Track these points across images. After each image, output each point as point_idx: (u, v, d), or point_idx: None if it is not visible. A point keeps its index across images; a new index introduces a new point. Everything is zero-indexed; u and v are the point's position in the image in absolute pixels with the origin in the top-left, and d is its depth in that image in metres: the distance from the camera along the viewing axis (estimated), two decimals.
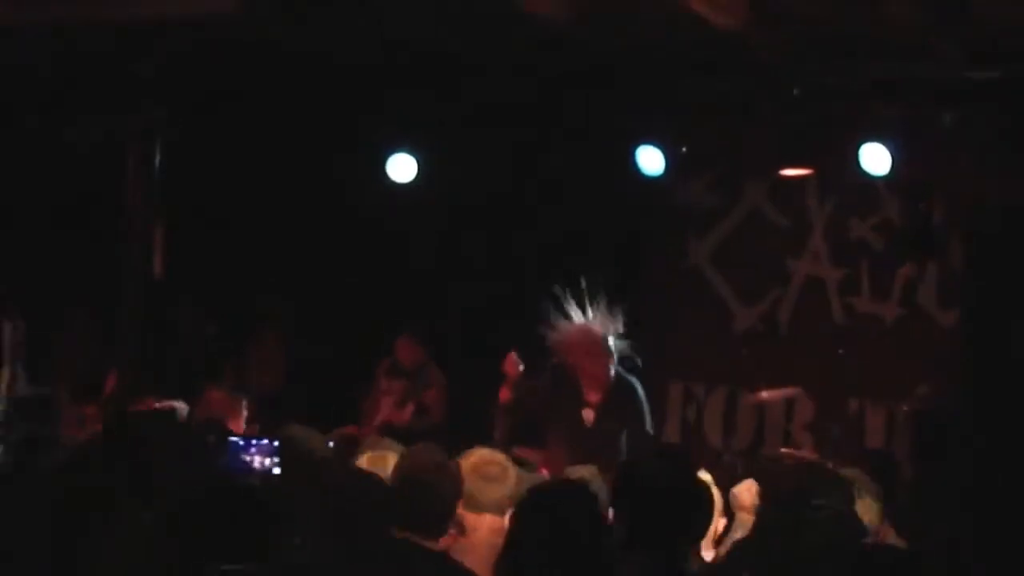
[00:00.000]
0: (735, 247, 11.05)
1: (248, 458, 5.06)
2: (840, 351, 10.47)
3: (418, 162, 10.26)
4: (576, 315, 8.80)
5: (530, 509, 4.25)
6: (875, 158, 9.40)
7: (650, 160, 10.01)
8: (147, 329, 9.87)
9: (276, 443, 5.02)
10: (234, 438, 5.06)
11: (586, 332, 8.76)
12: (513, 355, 8.81)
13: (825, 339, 10.60)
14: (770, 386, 10.29)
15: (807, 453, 9.55)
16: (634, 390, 8.82)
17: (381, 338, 10.27)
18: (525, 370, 8.86)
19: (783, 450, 9.35)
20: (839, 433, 10.20)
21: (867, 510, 5.73)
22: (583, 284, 8.77)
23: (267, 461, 5.01)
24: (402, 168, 10.31)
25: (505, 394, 8.87)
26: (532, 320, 9.36)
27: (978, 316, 10.14)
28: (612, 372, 8.72)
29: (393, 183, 10.35)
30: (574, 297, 8.81)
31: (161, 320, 10.01)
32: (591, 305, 8.79)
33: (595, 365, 8.69)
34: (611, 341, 8.73)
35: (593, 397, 8.76)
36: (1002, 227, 9.92)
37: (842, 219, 10.76)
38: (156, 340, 9.86)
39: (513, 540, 4.25)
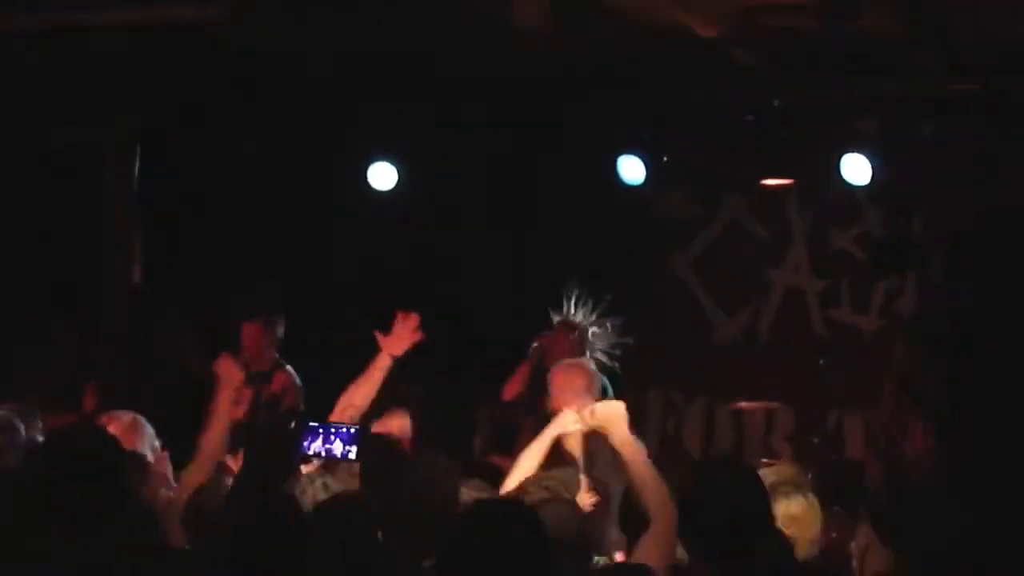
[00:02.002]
0: (716, 257, 11.07)
1: (328, 445, 4.97)
2: (820, 362, 10.49)
3: (399, 171, 10.24)
4: (566, 310, 9.12)
5: (468, 530, 4.03)
6: (856, 169, 9.42)
7: (631, 170, 10.01)
8: (126, 339, 9.83)
9: (355, 430, 4.92)
10: (314, 423, 4.94)
11: (565, 320, 9.06)
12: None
13: (805, 350, 10.61)
14: (750, 398, 10.31)
15: (785, 464, 9.55)
16: (604, 390, 8.94)
17: (363, 346, 10.25)
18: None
19: (763, 461, 9.38)
20: (818, 444, 10.22)
21: (804, 509, 5.70)
22: (575, 287, 9.15)
23: (346, 448, 4.90)
24: (383, 176, 10.29)
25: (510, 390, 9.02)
26: (509, 328, 9.42)
27: (958, 327, 10.16)
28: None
29: (375, 191, 10.33)
30: (582, 299, 9.13)
31: (140, 330, 9.96)
32: (580, 304, 8.98)
33: (564, 350, 8.87)
34: (590, 335, 8.91)
35: None
36: (982, 238, 9.95)
37: (823, 230, 10.78)
38: (135, 350, 9.82)
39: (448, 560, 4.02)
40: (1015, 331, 9.68)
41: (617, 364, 9.20)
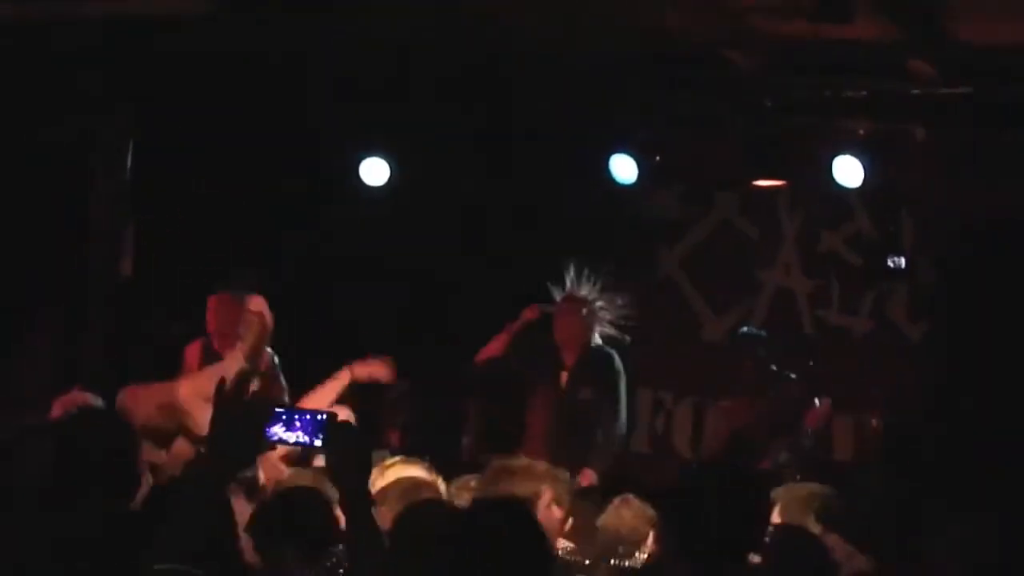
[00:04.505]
0: (706, 257, 11.07)
1: (292, 432, 4.93)
2: (810, 363, 10.48)
3: (391, 166, 10.25)
4: (569, 285, 9.30)
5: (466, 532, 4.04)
6: (847, 170, 9.43)
7: (623, 169, 10.01)
8: (115, 332, 9.81)
9: (321, 417, 4.89)
10: (279, 409, 4.92)
11: (571, 293, 9.26)
12: (537, 306, 9.30)
13: (794, 350, 10.61)
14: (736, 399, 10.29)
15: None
16: (611, 359, 9.05)
17: (354, 342, 10.27)
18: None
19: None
20: (807, 445, 10.21)
21: None
22: (576, 264, 9.31)
23: (310, 438, 4.86)
24: (375, 172, 10.30)
25: (493, 347, 9.07)
26: (499, 325, 9.42)
27: (947, 330, 10.18)
28: (591, 336, 8.97)
29: (366, 186, 10.34)
30: (583, 275, 9.29)
31: (129, 323, 9.94)
32: (589, 282, 9.07)
33: (572, 322, 8.98)
34: (597, 308, 8.99)
35: (569, 359, 9.01)
36: (972, 242, 9.96)
37: (813, 231, 10.79)
38: (124, 344, 9.80)
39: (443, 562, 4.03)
40: (1007, 333, 9.71)
41: (626, 337, 9.31)
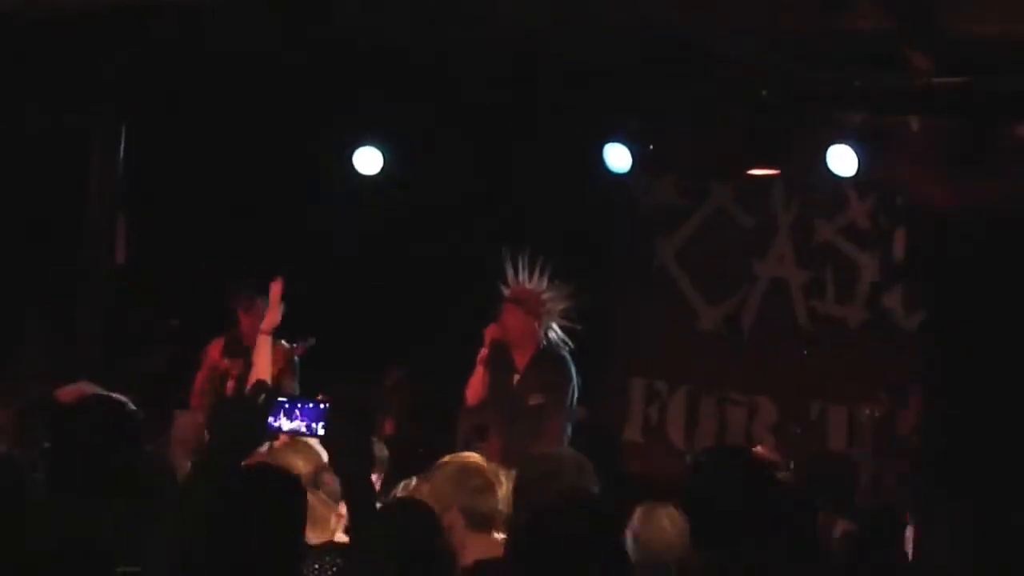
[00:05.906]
0: (700, 247, 11.08)
1: (295, 420, 4.92)
2: (804, 352, 10.50)
3: (384, 156, 10.24)
4: (522, 277, 8.87)
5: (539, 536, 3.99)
6: (842, 160, 9.43)
7: (618, 158, 10.01)
8: (108, 325, 9.79)
9: (323, 406, 4.88)
10: (282, 399, 4.91)
11: (520, 288, 8.81)
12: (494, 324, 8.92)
13: (788, 340, 10.63)
14: (732, 386, 10.29)
15: (767, 453, 9.59)
16: (563, 363, 8.73)
17: (347, 331, 10.26)
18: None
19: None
20: (800, 434, 10.24)
21: None
22: (537, 257, 8.86)
23: (313, 425, 4.85)
24: (368, 161, 10.29)
25: (475, 385, 8.89)
26: (492, 314, 9.37)
27: (942, 320, 10.20)
28: (541, 334, 8.74)
29: (360, 176, 10.33)
30: (527, 265, 8.88)
31: (123, 315, 9.93)
32: (540, 274, 8.84)
33: (520, 321, 8.69)
34: (545, 302, 8.77)
35: (520, 360, 8.78)
36: (966, 232, 9.97)
37: (808, 221, 10.80)
38: (117, 337, 9.78)
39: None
40: (1004, 323, 9.71)
41: (578, 326, 9.07)
